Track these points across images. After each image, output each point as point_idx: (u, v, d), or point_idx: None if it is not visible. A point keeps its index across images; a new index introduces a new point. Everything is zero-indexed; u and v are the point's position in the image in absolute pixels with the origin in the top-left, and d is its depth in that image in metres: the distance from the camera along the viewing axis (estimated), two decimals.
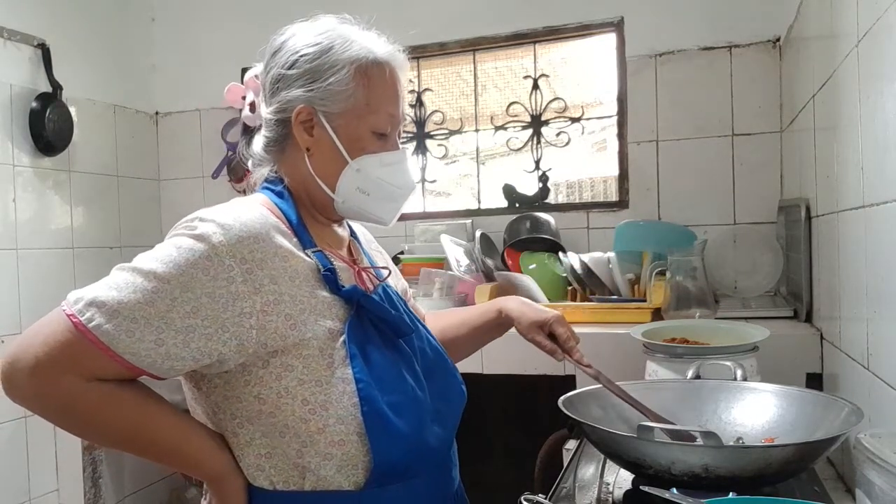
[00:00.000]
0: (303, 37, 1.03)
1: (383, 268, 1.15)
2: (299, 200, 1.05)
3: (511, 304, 1.27)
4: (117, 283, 0.86)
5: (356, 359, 0.94)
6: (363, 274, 1.08)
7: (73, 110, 2.54)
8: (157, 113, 3.03)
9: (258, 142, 1.07)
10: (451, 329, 1.29)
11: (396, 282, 1.23)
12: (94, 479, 2.24)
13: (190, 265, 0.87)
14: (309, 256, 0.98)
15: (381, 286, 1.09)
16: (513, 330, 1.25)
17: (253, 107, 1.10)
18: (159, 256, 0.88)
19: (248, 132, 1.11)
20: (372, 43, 1.04)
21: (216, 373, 0.93)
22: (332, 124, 1.01)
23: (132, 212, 2.87)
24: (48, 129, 2.40)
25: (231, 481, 0.93)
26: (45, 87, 2.45)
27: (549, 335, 1.22)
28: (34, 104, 2.40)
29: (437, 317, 1.34)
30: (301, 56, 1.01)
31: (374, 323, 1.00)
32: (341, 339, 0.95)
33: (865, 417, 1.01)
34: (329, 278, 0.97)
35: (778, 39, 2.24)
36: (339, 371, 0.93)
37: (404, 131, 2.77)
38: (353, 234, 1.17)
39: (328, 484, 0.92)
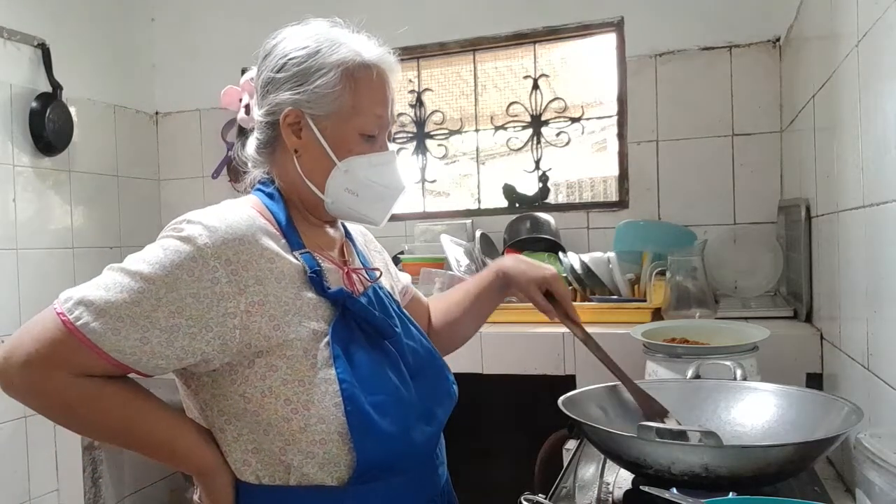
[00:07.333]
0: (292, 40, 1.05)
1: (374, 269, 1.15)
2: (290, 202, 1.07)
3: (508, 262, 1.29)
4: (106, 283, 0.89)
5: (340, 359, 0.95)
6: (352, 275, 1.09)
7: (73, 110, 2.54)
8: (157, 113, 3.03)
9: (251, 144, 1.10)
10: (455, 305, 1.31)
11: (393, 282, 1.24)
12: (94, 479, 2.24)
13: (175, 266, 0.89)
14: (296, 258, 1.00)
15: (372, 287, 1.10)
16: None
17: (248, 109, 1.13)
18: (147, 258, 0.90)
19: (243, 134, 1.13)
20: (361, 45, 1.05)
21: (204, 371, 0.95)
22: (319, 126, 1.03)
23: (132, 212, 2.87)
24: (48, 129, 2.40)
25: (219, 475, 0.95)
26: (45, 87, 2.45)
27: (546, 293, 1.24)
28: (34, 104, 2.40)
29: (440, 299, 1.36)
30: (289, 59, 1.03)
31: (360, 324, 1.01)
32: (325, 339, 0.96)
33: (865, 417, 1.01)
34: (315, 280, 0.99)
35: (778, 39, 2.24)
36: (322, 372, 0.94)
37: (404, 131, 2.78)
38: (348, 235, 1.19)
39: (311, 480, 0.94)
